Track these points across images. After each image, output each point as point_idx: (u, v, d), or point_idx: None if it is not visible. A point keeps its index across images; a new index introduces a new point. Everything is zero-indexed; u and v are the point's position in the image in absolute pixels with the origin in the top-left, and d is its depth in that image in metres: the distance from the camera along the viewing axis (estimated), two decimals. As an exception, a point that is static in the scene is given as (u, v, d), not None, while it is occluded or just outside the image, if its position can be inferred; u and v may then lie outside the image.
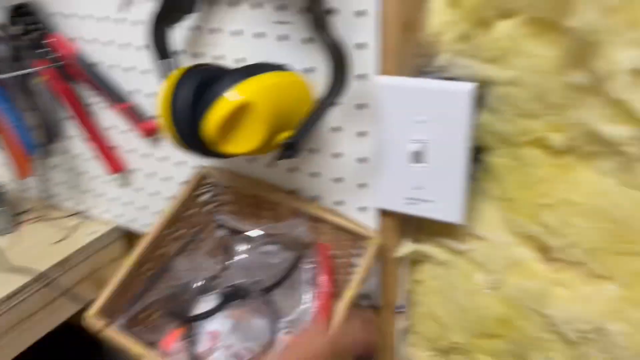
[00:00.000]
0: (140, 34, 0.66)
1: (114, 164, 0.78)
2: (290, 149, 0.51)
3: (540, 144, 0.49)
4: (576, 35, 0.41)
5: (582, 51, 0.42)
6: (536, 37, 0.45)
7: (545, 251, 0.53)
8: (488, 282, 0.57)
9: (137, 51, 0.67)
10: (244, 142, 0.50)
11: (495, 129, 0.51)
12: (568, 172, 0.49)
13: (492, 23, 0.48)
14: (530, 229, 0.53)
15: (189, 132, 0.52)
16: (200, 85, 0.51)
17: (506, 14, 0.46)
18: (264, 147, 0.51)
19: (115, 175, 0.81)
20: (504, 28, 0.47)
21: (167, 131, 0.52)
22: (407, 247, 0.62)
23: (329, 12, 0.49)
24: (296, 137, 0.50)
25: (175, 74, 0.52)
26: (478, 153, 0.55)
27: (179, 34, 0.62)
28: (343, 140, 0.58)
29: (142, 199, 0.81)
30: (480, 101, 0.52)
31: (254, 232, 0.61)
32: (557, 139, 0.47)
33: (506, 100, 0.49)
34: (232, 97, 0.47)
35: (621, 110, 0.43)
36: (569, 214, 0.49)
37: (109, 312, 0.62)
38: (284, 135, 0.51)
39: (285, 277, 0.59)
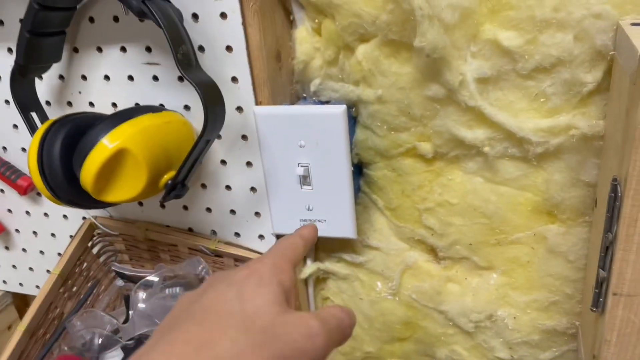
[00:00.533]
0: (2, 89, 0.62)
1: (-7, 227, 0.73)
2: (174, 189, 0.50)
3: (412, 153, 0.53)
4: (424, 53, 0.44)
5: (432, 66, 0.46)
6: (393, 57, 0.48)
7: (433, 252, 0.57)
8: (388, 289, 0.59)
9: (3, 106, 0.63)
10: (125, 189, 0.49)
11: (372, 144, 0.54)
12: (440, 176, 0.52)
13: (354, 47, 0.50)
14: (417, 233, 0.56)
15: (63, 187, 0.49)
16: (70, 137, 0.49)
17: (364, 38, 0.49)
18: (149, 191, 0.50)
19: (-4, 239, 0.75)
20: (364, 51, 0.50)
21: (40, 189, 0.50)
22: (309, 268, 0.63)
23: (195, 50, 0.49)
24: (179, 176, 0.50)
25: (41, 128, 0.50)
26: (362, 168, 0.58)
27: (45, 85, 0.60)
28: (232, 172, 0.58)
29: (29, 259, 0.76)
30: (355, 120, 0.55)
31: (153, 278, 0.60)
32: (425, 147, 0.51)
33: (376, 117, 0.52)
34: (106, 144, 0.46)
35: (475, 116, 0.47)
36: (447, 214, 0.53)
37: (3, 389, 0.57)
38: (169, 176, 0.51)
39: (191, 318, 0.58)
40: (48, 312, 0.62)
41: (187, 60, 0.46)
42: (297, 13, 0.53)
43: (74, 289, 0.65)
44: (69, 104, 0.60)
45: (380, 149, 0.54)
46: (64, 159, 0.49)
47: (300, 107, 0.53)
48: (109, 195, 0.49)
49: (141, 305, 0.57)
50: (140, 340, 0.57)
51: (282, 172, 0.55)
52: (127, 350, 0.57)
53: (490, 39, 0.44)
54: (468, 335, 0.57)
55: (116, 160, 0.47)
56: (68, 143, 0.49)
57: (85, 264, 0.66)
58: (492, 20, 0.43)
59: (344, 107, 0.51)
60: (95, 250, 0.67)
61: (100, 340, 0.58)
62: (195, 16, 0.50)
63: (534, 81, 0.44)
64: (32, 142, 0.50)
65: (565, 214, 0.49)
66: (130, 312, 0.58)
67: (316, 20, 0.52)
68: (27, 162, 0.65)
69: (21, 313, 0.86)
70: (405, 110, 0.50)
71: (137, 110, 0.50)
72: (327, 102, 0.56)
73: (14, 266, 0.78)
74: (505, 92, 0.45)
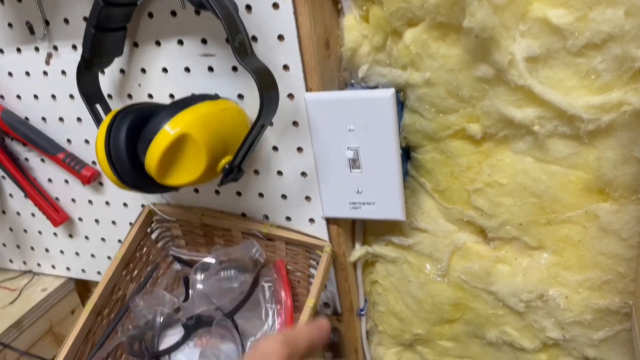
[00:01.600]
0: (68, 84, 0.66)
1: (57, 216, 0.77)
2: (232, 172, 0.53)
3: (461, 135, 0.53)
4: (473, 34, 0.45)
5: (481, 47, 0.47)
6: (441, 39, 0.49)
7: (482, 233, 0.57)
8: (437, 271, 0.60)
9: (68, 100, 0.68)
10: (186, 172, 0.51)
11: (420, 127, 0.55)
12: (489, 157, 0.53)
13: (401, 32, 0.52)
14: (466, 214, 0.57)
15: (129, 172, 0.53)
16: (134, 125, 0.52)
17: (412, 23, 0.50)
18: (207, 175, 0.53)
19: (60, 227, 0.80)
20: (412, 35, 0.51)
21: (108, 175, 0.53)
22: (358, 251, 0.65)
23: (250, 40, 0.51)
24: (235, 160, 0.52)
25: (107, 118, 0.53)
26: (409, 151, 0.59)
27: (107, 79, 0.63)
28: (284, 158, 0.60)
29: (91, 247, 0.81)
30: (402, 104, 0.56)
31: (209, 260, 0.62)
32: (474, 128, 0.52)
33: (425, 100, 0.53)
34: (168, 130, 0.49)
35: (524, 95, 0.48)
36: (496, 195, 0.54)
37: (73, 364, 0.61)
38: (225, 161, 0.53)
39: (246, 299, 0.61)
40: (112, 293, 0.65)
41: (243, 49, 0.49)
42: (345, 1, 0.55)
43: (135, 272, 0.68)
44: (129, 96, 0.64)
45: (428, 131, 0.55)
46: (129, 145, 0.52)
47: (349, 92, 0.54)
48: (171, 179, 0.52)
49: (199, 286, 0.61)
50: (199, 318, 0.60)
51: (332, 156, 0.57)
52: (188, 328, 0.60)
53: (540, 17, 0.44)
54: (519, 315, 0.58)
55: (178, 145, 0.50)
56: (132, 131, 0.52)
57: (145, 249, 0.69)
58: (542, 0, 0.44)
59: (392, 90, 0.52)
60: (154, 236, 0.71)
61: (162, 318, 0.61)
62: (248, 7, 0.52)
63: (584, 58, 0.44)
64: (99, 131, 0.53)
65: (618, 191, 0.49)
66: (190, 292, 0.61)
67: (364, 8, 0.54)
68: (94, 151, 0.69)
69: (83, 299, 0.91)
70: (453, 92, 0.51)
71: (196, 99, 0.53)
72: (374, 87, 0.57)
73: (77, 253, 0.83)
74: (555, 70, 0.46)
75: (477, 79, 0.49)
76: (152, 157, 0.50)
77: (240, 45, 0.48)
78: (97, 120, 0.60)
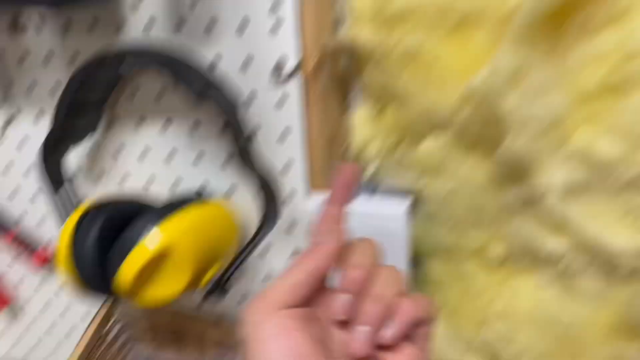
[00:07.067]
0: (24, 154, 0.57)
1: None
2: (219, 289, 0.45)
3: (478, 255, 0.48)
4: (509, 157, 0.40)
5: (514, 170, 0.42)
6: (466, 155, 0.44)
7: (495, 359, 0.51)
8: (439, 396, 0.54)
9: (22, 173, 0.59)
10: (164, 289, 0.43)
11: (431, 240, 0.50)
12: (508, 283, 0.48)
13: (420, 137, 0.46)
14: (477, 338, 0.51)
15: (96, 283, 0.44)
16: (107, 228, 0.44)
17: (435, 129, 0.45)
18: (188, 289, 0.45)
19: (1, 310, 0.69)
20: (433, 142, 0.46)
21: (70, 282, 0.45)
22: None
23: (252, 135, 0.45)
24: (225, 276, 0.45)
25: (75, 216, 0.45)
26: (417, 263, 0.53)
27: (76, 153, 0.55)
28: (274, 261, 0.53)
29: (35, 335, 0.70)
30: (415, 212, 0.50)
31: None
32: (494, 251, 0.47)
33: (441, 212, 0.48)
34: (149, 243, 0.41)
35: (557, 224, 0.43)
36: (514, 323, 0.48)
37: None
38: (211, 273, 0.45)
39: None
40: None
41: (246, 148, 0.42)
42: (356, 95, 0.49)
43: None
44: (101, 175, 0.55)
45: (440, 246, 0.49)
46: (99, 255, 0.44)
47: (356, 202, 0.48)
48: (144, 297, 0.44)
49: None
50: None
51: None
52: None
53: (584, 146, 0.40)
54: None
55: (159, 259, 0.42)
56: (104, 236, 0.44)
57: (100, 350, 0.59)
58: (589, 127, 0.40)
59: (406, 205, 0.46)
60: (112, 335, 0.61)
61: None
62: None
63: (630, 194, 0.40)
64: (65, 230, 0.45)
65: (650, 333, 0.44)
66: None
67: (378, 106, 0.48)
68: (47, 234, 0.60)
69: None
70: (475, 209, 0.46)
71: (182, 201, 0.45)
72: (384, 191, 0.52)
73: (17, 340, 0.71)
74: (597, 204, 0.41)
75: (503, 203, 0.44)
76: (127, 273, 0.41)
77: (244, 144, 0.42)
78: (61, 208, 0.51)
